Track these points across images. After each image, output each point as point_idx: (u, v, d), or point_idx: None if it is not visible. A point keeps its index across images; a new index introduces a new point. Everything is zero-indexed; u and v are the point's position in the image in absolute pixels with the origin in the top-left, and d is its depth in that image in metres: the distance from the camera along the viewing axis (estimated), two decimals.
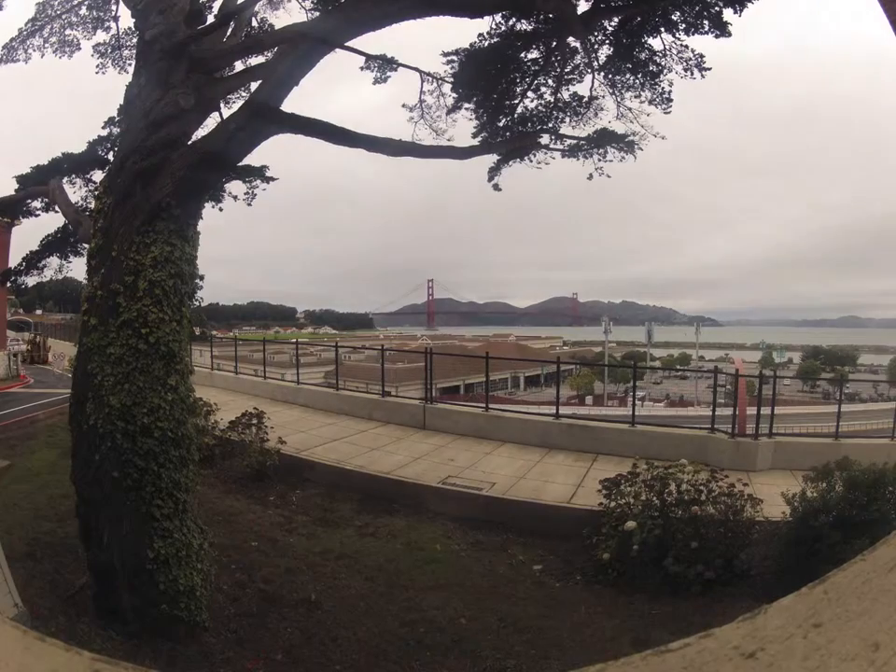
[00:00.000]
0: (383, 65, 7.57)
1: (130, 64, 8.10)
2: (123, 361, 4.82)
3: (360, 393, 14.91)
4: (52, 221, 9.73)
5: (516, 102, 7.47)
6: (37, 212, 9.73)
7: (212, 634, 5.04)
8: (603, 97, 7.38)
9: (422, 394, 13.33)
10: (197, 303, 6.23)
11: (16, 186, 9.26)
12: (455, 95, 7.59)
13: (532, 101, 7.51)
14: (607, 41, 6.95)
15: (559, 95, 7.52)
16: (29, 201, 9.55)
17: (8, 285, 11.69)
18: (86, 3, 8.70)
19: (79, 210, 8.70)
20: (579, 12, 6.18)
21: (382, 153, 5.78)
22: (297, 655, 4.84)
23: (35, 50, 8.76)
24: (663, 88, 7.00)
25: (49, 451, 10.06)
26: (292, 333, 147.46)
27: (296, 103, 5.54)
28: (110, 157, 8.36)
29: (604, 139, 7.38)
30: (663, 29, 6.51)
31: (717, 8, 6.14)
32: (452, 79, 7.42)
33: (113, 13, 8.73)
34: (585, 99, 7.45)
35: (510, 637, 5.12)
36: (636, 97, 7.15)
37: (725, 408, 11.95)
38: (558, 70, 7.35)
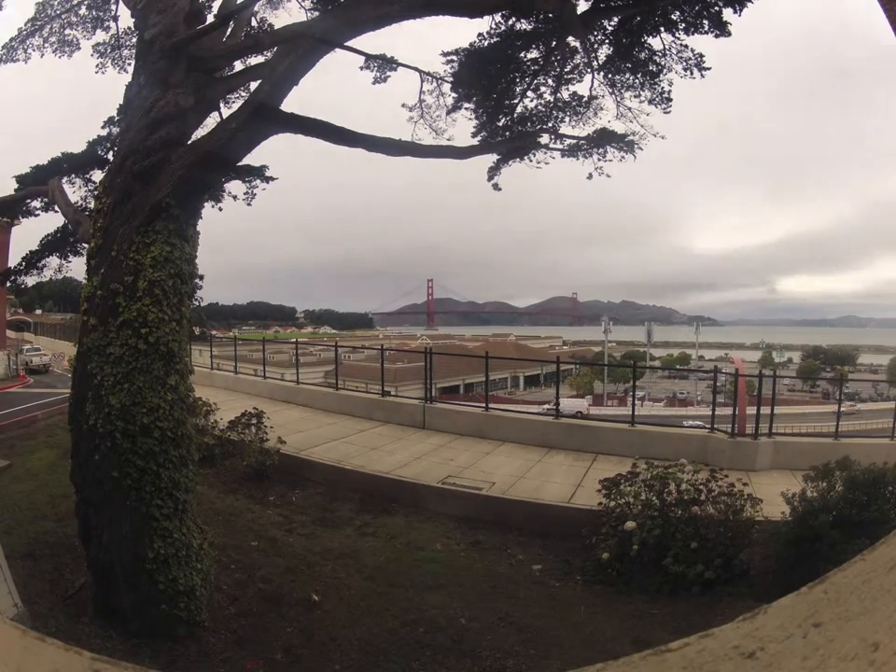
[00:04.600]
0: (382, 65, 7.56)
1: (130, 64, 8.09)
2: (123, 361, 4.81)
3: (360, 393, 14.91)
4: (52, 221, 9.73)
5: (516, 101, 7.47)
6: (37, 212, 9.71)
7: (212, 633, 5.04)
8: (603, 97, 7.39)
9: (422, 394, 13.33)
10: (196, 303, 6.24)
11: (16, 186, 9.25)
12: (454, 95, 7.59)
13: (532, 100, 7.52)
14: (606, 41, 6.95)
15: (559, 95, 7.52)
16: (29, 200, 9.53)
17: (8, 284, 11.66)
18: (85, 3, 8.69)
19: (79, 210, 8.69)
20: (578, 12, 6.18)
21: (382, 153, 5.78)
22: (297, 655, 4.84)
23: (34, 50, 8.76)
24: (662, 87, 7.00)
25: (49, 451, 10.06)
26: (292, 333, 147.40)
27: (296, 102, 5.55)
28: (110, 157, 8.35)
29: (604, 139, 7.38)
30: (662, 29, 6.51)
31: (716, 8, 6.14)
32: (451, 79, 7.41)
33: (112, 13, 8.73)
34: (585, 99, 7.45)
35: (510, 637, 5.12)
36: (635, 97, 7.16)
37: (725, 407, 11.97)
38: (558, 70, 7.34)
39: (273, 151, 7.53)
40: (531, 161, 7.60)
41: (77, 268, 11.57)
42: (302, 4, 8.33)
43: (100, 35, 8.88)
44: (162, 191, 4.99)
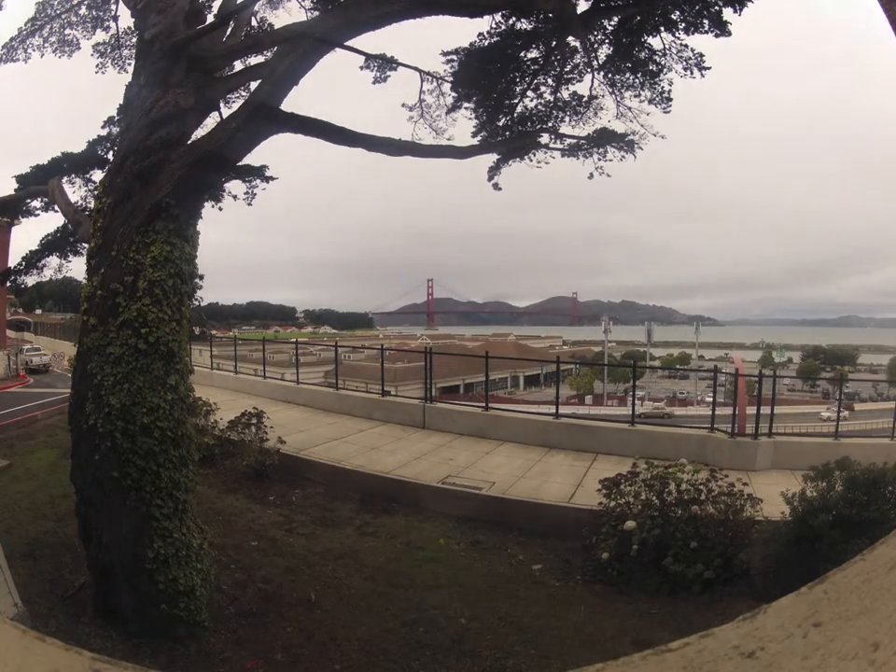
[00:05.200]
0: (382, 65, 7.55)
1: (130, 64, 8.09)
2: (123, 361, 4.81)
3: (360, 393, 14.92)
4: (52, 221, 9.74)
5: (516, 101, 7.46)
6: (37, 212, 9.71)
7: (211, 633, 5.04)
8: (603, 96, 7.39)
9: (422, 393, 13.33)
10: (197, 303, 6.24)
11: (16, 185, 9.26)
12: (454, 95, 7.58)
13: (532, 100, 7.51)
14: (606, 40, 6.95)
15: (559, 94, 7.51)
16: (29, 200, 9.53)
17: (8, 284, 11.67)
18: (85, 3, 8.69)
19: (79, 210, 8.69)
20: (578, 12, 6.18)
21: (382, 153, 5.78)
22: (296, 655, 4.84)
23: (34, 50, 8.75)
24: (662, 87, 6.99)
25: (49, 451, 10.07)
26: (292, 333, 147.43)
27: (295, 102, 5.55)
28: (110, 156, 8.35)
29: (604, 138, 7.37)
30: (662, 28, 6.51)
31: (716, 8, 6.14)
32: (451, 79, 7.41)
33: (112, 13, 8.72)
34: (585, 98, 7.44)
35: (509, 637, 5.12)
36: (635, 96, 7.15)
37: (725, 407, 11.97)
38: (558, 69, 7.34)
39: (278, 151, 7.56)
40: (531, 160, 7.59)
41: (77, 268, 11.60)
42: (302, 4, 8.33)
43: (100, 35, 8.89)
44: (162, 191, 4.99)
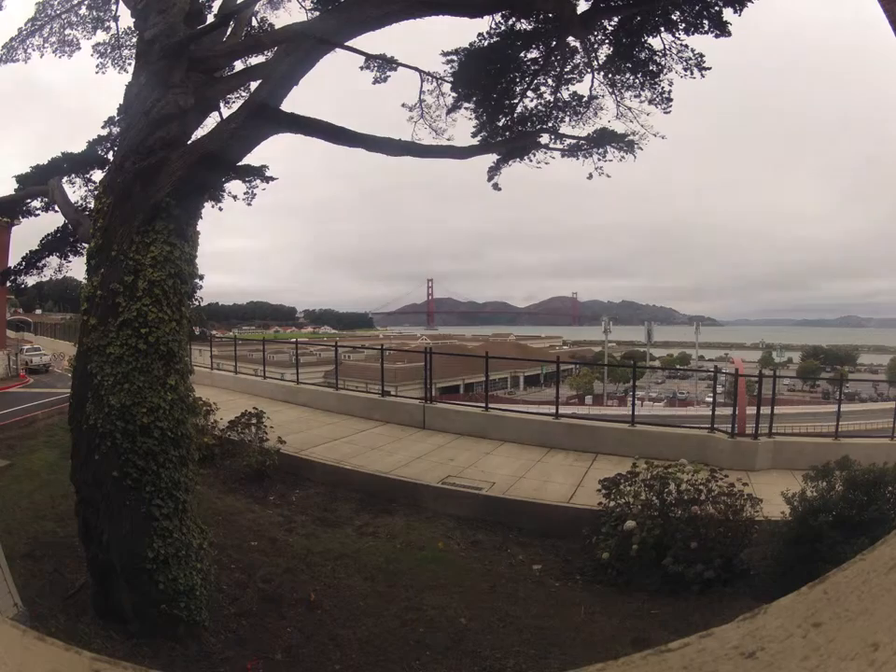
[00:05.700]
0: (382, 65, 7.56)
1: (130, 64, 8.10)
2: (123, 361, 4.81)
3: (360, 393, 14.92)
4: (52, 221, 9.75)
5: (516, 101, 7.46)
6: (37, 212, 9.73)
7: (211, 633, 5.04)
8: (603, 97, 7.39)
9: (422, 393, 13.33)
10: (196, 303, 6.23)
11: (16, 185, 9.26)
12: (454, 95, 7.59)
13: (532, 100, 7.51)
14: (606, 41, 6.95)
15: (559, 95, 7.52)
16: (29, 200, 9.55)
17: (8, 284, 11.68)
18: (86, 3, 8.70)
19: (79, 210, 8.70)
20: (578, 12, 6.18)
21: (381, 153, 5.78)
22: (296, 655, 4.84)
23: (34, 50, 8.77)
24: (662, 87, 7.00)
25: (49, 451, 10.07)
26: (292, 333, 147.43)
27: (295, 102, 5.55)
28: (110, 156, 8.36)
29: (604, 139, 7.38)
30: (662, 28, 6.51)
31: (717, 8, 6.14)
32: (451, 79, 7.41)
33: (113, 13, 8.74)
34: (585, 98, 7.45)
35: (510, 637, 5.12)
36: (635, 97, 7.15)
37: (725, 407, 11.96)
38: (558, 69, 7.34)
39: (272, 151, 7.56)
40: (531, 161, 7.59)
41: (77, 268, 11.61)
42: (303, 4, 8.34)
43: (100, 35, 8.91)
44: (162, 191, 4.99)
